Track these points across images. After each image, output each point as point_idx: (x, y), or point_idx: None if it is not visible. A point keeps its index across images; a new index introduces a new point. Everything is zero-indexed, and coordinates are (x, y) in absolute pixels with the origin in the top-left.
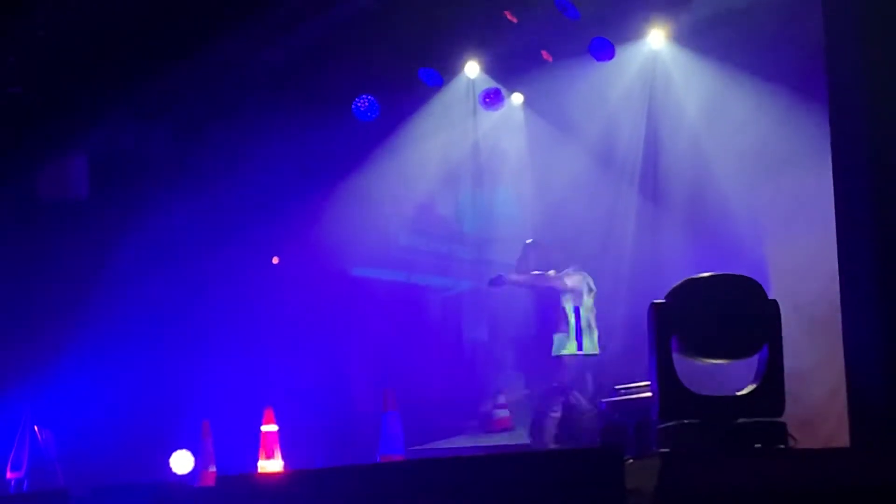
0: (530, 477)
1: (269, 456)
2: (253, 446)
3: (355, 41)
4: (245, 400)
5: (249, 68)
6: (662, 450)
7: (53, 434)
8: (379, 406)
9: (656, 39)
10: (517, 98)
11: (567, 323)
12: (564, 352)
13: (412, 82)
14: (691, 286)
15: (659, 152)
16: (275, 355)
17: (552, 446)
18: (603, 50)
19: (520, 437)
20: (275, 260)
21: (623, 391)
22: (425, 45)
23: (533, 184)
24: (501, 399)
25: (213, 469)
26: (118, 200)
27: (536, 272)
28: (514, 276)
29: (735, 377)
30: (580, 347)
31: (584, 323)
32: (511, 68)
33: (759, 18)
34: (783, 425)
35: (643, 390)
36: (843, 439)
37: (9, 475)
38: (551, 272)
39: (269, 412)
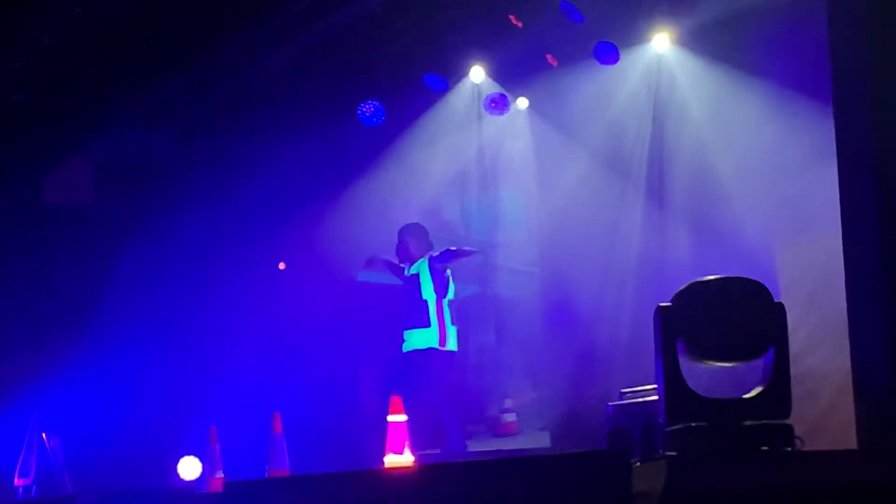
0: (537, 481)
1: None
2: (261, 452)
3: (360, 46)
4: (252, 405)
5: (254, 74)
6: (669, 453)
7: (61, 440)
8: (386, 411)
9: (661, 43)
10: (522, 102)
11: (428, 316)
12: (425, 346)
13: (417, 87)
14: (697, 289)
15: (664, 156)
16: (281, 361)
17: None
18: (607, 54)
19: (527, 441)
20: (281, 265)
21: (629, 394)
22: (430, 50)
23: (538, 188)
24: (508, 403)
25: (220, 475)
26: (123, 206)
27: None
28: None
29: (741, 380)
30: (444, 343)
31: (448, 318)
32: (516, 73)
33: (764, 22)
34: (790, 427)
35: (649, 393)
36: (850, 441)
37: (17, 482)
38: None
39: (276, 417)
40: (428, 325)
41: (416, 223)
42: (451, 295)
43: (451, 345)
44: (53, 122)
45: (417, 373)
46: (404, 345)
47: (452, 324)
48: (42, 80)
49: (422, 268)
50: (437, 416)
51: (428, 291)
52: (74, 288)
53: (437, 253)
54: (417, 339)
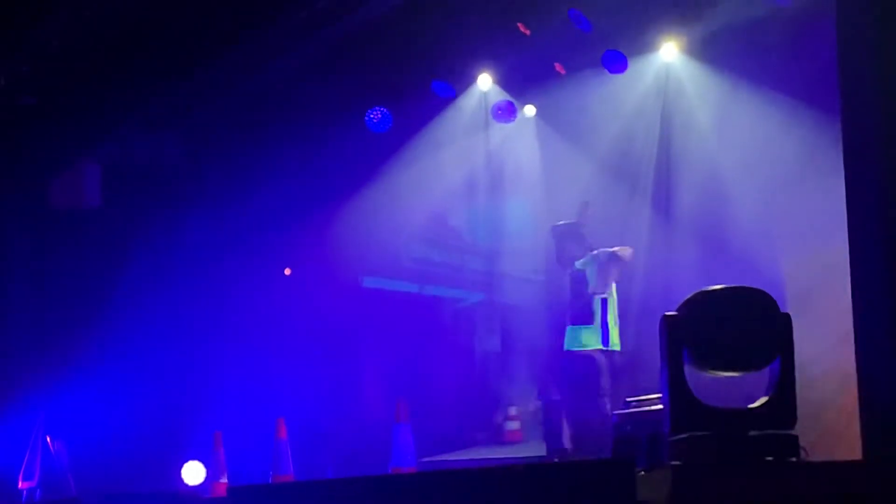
0: (542, 489)
1: None
2: (265, 457)
3: (368, 53)
4: (257, 411)
5: (262, 79)
6: (674, 462)
7: (66, 444)
8: (391, 417)
9: (669, 52)
10: (530, 110)
11: (592, 314)
12: (588, 347)
13: (425, 94)
14: (703, 298)
15: (671, 165)
16: (287, 366)
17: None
18: (616, 62)
19: (531, 449)
20: (287, 271)
21: (635, 403)
22: (438, 58)
23: (545, 196)
24: (513, 411)
25: (224, 480)
26: (131, 210)
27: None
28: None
29: (747, 390)
30: (605, 342)
31: (612, 316)
32: (524, 81)
33: (772, 31)
34: (795, 438)
35: (655, 402)
36: (855, 452)
37: (21, 485)
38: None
39: (281, 423)
40: (591, 322)
41: (573, 222)
42: (613, 294)
43: (615, 343)
44: (61, 125)
45: (575, 371)
46: (567, 342)
47: (615, 323)
48: (50, 83)
49: (589, 265)
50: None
51: (594, 288)
52: (81, 291)
53: (602, 253)
54: (583, 337)
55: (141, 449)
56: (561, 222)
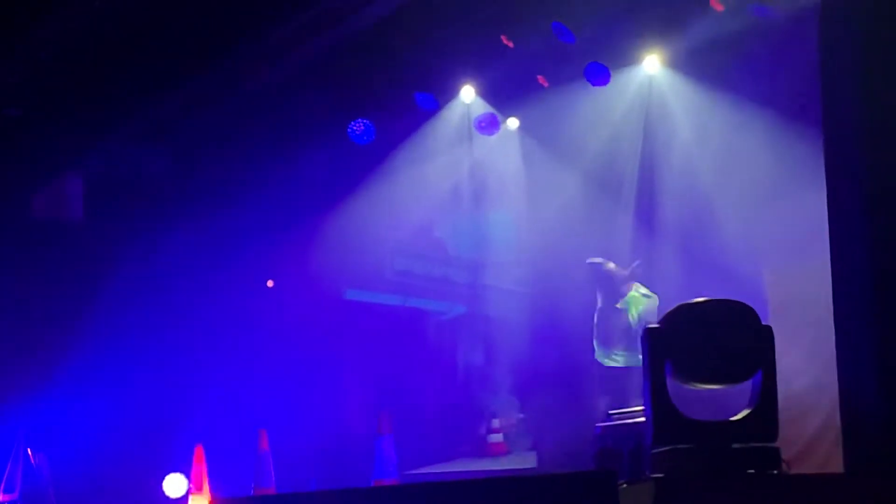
0: (525, 501)
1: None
2: (247, 469)
3: (352, 65)
4: (239, 423)
5: (246, 92)
6: (656, 475)
7: (47, 456)
8: (373, 430)
9: (651, 64)
10: (513, 122)
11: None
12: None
13: (408, 106)
14: (685, 311)
15: (654, 177)
16: (269, 379)
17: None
18: (599, 75)
19: (515, 461)
20: (270, 283)
21: (617, 416)
22: (421, 70)
23: (528, 208)
24: (496, 423)
25: (206, 492)
26: (114, 222)
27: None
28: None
29: (729, 402)
30: None
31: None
32: (507, 93)
33: (754, 45)
34: (777, 451)
35: (637, 415)
36: (837, 465)
37: (2, 497)
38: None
39: (263, 435)
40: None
41: (622, 274)
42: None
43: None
44: (46, 136)
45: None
46: (613, 361)
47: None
48: (36, 94)
49: (631, 305)
50: None
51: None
52: (62, 304)
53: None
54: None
55: (122, 461)
56: (598, 260)
